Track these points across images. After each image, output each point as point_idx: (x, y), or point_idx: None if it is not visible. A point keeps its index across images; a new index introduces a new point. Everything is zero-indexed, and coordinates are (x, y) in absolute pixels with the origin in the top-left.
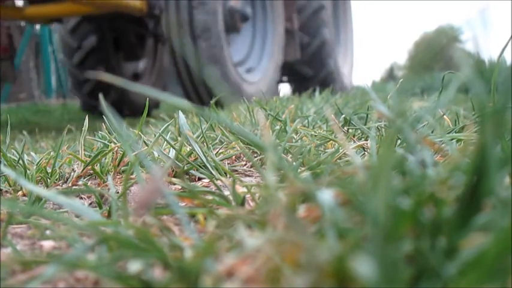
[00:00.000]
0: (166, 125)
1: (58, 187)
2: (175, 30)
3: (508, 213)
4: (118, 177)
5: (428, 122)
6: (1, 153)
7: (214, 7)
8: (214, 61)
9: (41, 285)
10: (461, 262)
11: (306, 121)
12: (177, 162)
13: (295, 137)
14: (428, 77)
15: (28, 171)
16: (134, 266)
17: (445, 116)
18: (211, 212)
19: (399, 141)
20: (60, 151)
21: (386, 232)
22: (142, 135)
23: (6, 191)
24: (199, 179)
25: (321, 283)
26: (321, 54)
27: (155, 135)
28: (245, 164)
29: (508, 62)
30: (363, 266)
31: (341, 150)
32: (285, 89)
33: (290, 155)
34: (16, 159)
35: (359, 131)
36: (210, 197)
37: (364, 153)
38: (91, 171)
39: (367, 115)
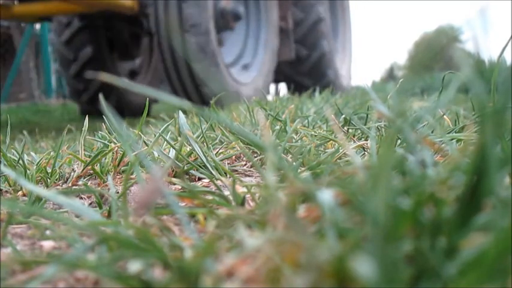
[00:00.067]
0: (166, 125)
1: (58, 187)
2: (164, 25)
3: (508, 213)
4: (118, 177)
5: (428, 122)
6: (1, 153)
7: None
8: (204, 54)
9: (41, 285)
10: (461, 262)
11: (306, 121)
12: (177, 162)
13: (295, 137)
14: (428, 77)
15: (28, 171)
16: (134, 266)
17: (445, 116)
18: (211, 212)
19: (399, 141)
20: (60, 151)
21: (386, 232)
22: (142, 135)
23: (6, 191)
24: (199, 179)
25: (321, 283)
26: (321, 66)
27: (155, 135)
28: (245, 164)
29: (508, 62)
30: (363, 266)
31: (341, 150)
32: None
33: (290, 155)
34: (16, 159)
35: (359, 131)
36: (210, 197)
37: (364, 153)
38: (91, 171)
39: (367, 115)
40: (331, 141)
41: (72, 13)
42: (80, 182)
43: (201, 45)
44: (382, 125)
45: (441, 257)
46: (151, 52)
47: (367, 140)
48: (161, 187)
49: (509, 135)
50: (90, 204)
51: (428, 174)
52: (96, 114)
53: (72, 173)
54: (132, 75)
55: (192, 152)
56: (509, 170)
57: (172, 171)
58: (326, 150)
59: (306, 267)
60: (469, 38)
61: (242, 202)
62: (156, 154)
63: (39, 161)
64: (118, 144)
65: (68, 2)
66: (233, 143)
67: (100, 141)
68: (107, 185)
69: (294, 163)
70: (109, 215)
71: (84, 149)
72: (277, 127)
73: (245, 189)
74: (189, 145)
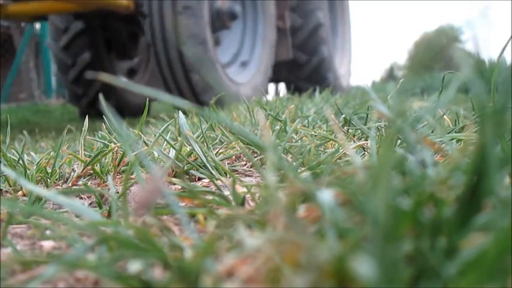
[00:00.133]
0: (166, 125)
1: (58, 187)
2: (157, 7)
3: (508, 213)
4: (118, 177)
5: (428, 122)
6: (1, 153)
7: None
8: (198, 41)
9: (41, 285)
10: (461, 262)
11: (306, 121)
12: (177, 162)
13: (295, 137)
14: (429, 77)
15: (28, 171)
16: (134, 266)
17: (445, 116)
18: (211, 212)
19: (399, 141)
20: (60, 151)
21: (386, 232)
22: (142, 135)
23: (6, 191)
24: (199, 179)
25: (321, 283)
26: (321, 70)
27: (155, 135)
28: (245, 164)
29: (508, 62)
30: (363, 266)
31: (341, 150)
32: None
33: (290, 155)
34: (16, 159)
35: (359, 131)
36: (210, 197)
37: (364, 153)
38: (91, 171)
39: (367, 115)
40: (331, 141)
41: (68, 12)
42: (80, 182)
43: (199, 54)
44: (382, 125)
45: (441, 257)
46: (149, 51)
47: (367, 140)
48: (161, 187)
49: (509, 135)
50: (90, 204)
51: (428, 174)
52: (95, 115)
53: (72, 173)
54: (131, 73)
55: (192, 152)
56: (509, 170)
57: (172, 171)
58: (326, 150)
59: (306, 267)
60: (469, 38)
61: (242, 202)
62: (156, 154)
63: (39, 161)
64: (118, 144)
65: (63, 1)
66: (233, 143)
67: (100, 141)
68: (107, 185)
69: (294, 163)
70: (109, 215)
71: (84, 149)
72: (277, 127)
73: (245, 189)
74: (189, 145)
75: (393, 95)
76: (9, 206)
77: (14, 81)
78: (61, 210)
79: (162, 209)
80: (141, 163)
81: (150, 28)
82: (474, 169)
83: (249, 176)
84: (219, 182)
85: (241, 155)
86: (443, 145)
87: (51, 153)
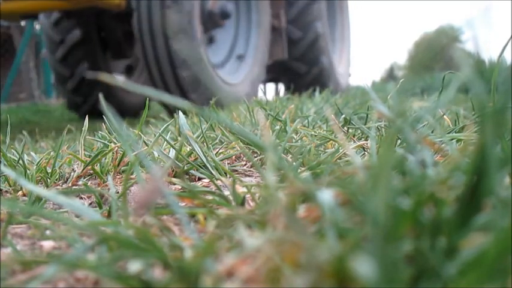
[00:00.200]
0: (166, 125)
1: (58, 187)
2: (145, 1)
3: (508, 213)
4: (118, 177)
5: (428, 122)
6: (1, 153)
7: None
8: (184, 33)
9: (41, 285)
10: (461, 262)
11: (306, 121)
12: (177, 162)
13: (295, 137)
14: (429, 77)
15: (28, 171)
16: (134, 266)
17: (445, 116)
18: (211, 212)
19: (399, 141)
20: (60, 151)
21: (386, 232)
22: (142, 135)
23: (6, 191)
24: (199, 179)
25: (321, 283)
26: (321, 77)
27: (155, 135)
28: (245, 164)
29: (508, 62)
30: (363, 266)
31: (341, 150)
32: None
33: (290, 155)
34: (16, 159)
35: (359, 131)
36: (210, 197)
37: (364, 153)
38: (91, 171)
39: (367, 115)
40: (331, 141)
41: (58, 10)
42: (80, 182)
43: (188, 50)
44: (382, 125)
45: (441, 257)
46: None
47: (367, 140)
48: (161, 187)
49: (509, 135)
50: (90, 204)
51: (428, 174)
52: (81, 108)
53: (72, 173)
54: (129, 70)
55: (192, 152)
56: (509, 170)
57: (172, 171)
58: (326, 150)
59: (306, 267)
60: (469, 38)
61: (242, 202)
62: (156, 154)
63: (39, 161)
64: (118, 144)
65: None
66: (233, 143)
67: (100, 141)
68: (107, 185)
69: (294, 163)
70: (109, 215)
71: (84, 149)
72: (277, 127)
73: (245, 189)
74: (189, 145)
75: (393, 95)
76: (9, 206)
77: (14, 81)
78: (61, 210)
79: (162, 209)
80: (141, 163)
81: (137, 22)
82: (474, 169)
83: (249, 176)
84: (219, 182)
85: (241, 155)
86: (443, 145)
87: (51, 153)
